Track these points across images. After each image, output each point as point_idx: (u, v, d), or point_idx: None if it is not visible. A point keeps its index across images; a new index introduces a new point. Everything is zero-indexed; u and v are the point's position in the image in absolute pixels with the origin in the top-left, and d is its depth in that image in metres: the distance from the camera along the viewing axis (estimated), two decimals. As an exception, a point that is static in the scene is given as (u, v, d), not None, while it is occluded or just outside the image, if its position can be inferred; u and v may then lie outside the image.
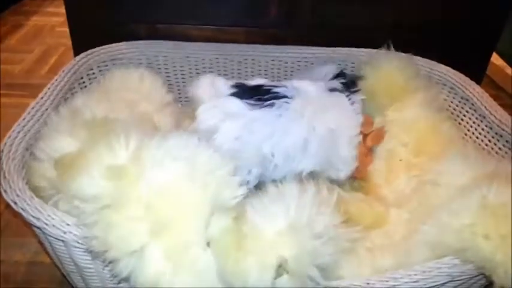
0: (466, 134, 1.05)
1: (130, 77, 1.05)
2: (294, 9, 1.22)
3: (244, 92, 0.89)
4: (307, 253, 0.58)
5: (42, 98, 0.86)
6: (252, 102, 0.86)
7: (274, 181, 0.84)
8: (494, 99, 1.03)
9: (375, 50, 1.16)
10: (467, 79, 1.10)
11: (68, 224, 0.60)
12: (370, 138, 1.04)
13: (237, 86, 0.91)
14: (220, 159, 0.61)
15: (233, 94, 0.88)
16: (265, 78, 1.22)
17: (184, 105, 1.21)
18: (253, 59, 1.21)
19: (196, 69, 1.21)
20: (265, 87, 0.90)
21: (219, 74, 1.22)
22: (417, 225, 0.82)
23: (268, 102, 0.87)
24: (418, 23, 1.22)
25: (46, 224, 0.60)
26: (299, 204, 0.66)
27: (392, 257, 0.75)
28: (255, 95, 0.88)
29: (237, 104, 0.86)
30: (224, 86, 0.92)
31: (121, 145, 0.59)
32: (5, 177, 0.67)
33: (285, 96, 0.88)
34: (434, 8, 1.21)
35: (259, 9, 1.22)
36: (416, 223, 0.84)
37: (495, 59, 1.72)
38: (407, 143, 1.04)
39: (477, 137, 1.02)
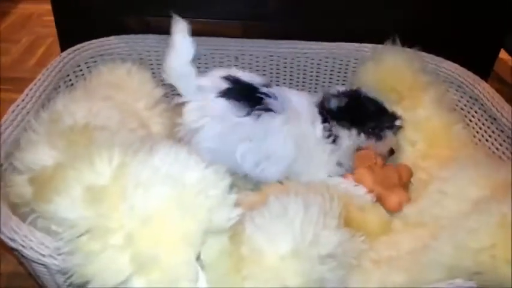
0: (474, 136, 1.00)
1: (117, 73, 0.99)
2: (294, 1, 1.15)
3: (234, 92, 0.87)
4: (313, 282, 0.53)
5: (23, 100, 0.79)
6: (240, 107, 0.86)
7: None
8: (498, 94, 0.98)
9: (380, 45, 1.10)
10: (477, 77, 1.04)
11: (48, 247, 0.55)
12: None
13: (228, 79, 0.89)
14: (213, 176, 0.54)
15: (222, 94, 0.87)
16: (264, 74, 1.17)
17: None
18: (250, 54, 1.15)
19: (190, 64, 1.14)
20: (257, 94, 0.88)
21: (215, 70, 1.16)
22: (425, 237, 0.77)
23: (256, 113, 0.87)
24: (423, 17, 1.16)
25: (23, 246, 0.55)
26: (304, 220, 0.61)
27: (402, 273, 0.69)
28: (245, 99, 0.87)
29: (224, 107, 0.86)
30: (216, 78, 0.90)
31: (103, 161, 0.53)
32: (-21, 192, 0.61)
33: (271, 110, 0.88)
34: (440, 2, 1.15)
35: (257, 1, 1.15)
36: (423, 234, 0.80)
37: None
38: (416, 141, 0.99)
39: (487, 140, 0.97)
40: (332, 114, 0.95)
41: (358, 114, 0.96)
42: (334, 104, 0.95)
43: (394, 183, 0.92)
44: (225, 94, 0.87)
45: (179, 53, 0.88)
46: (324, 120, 0.94)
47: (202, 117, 0.87)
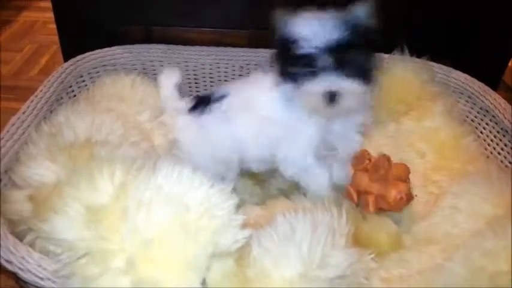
0: (486, 149, 0.97)
1: (121, 84, 0.97)
2: (300, 10, 1.13)
3: (194, 105, 0.94)
4: (322, 306, 0.50)
5: (23, 112, 0.77)
6: (197, 113, 0.92)
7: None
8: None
9: (388, 55, 1.08)
10: (487, 88, 1.02)
11: (46, 269, 0.52)
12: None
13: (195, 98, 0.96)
14: (218, 196, 0.52)
15: (188, 111, 0.94)
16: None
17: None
18: (255, 64, 1.13)
19: (194, 75, 1.13)
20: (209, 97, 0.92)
21: (219, 80, 1.15)
22: (436, 255, 0.75)
23: (208, 108, 0.90)
24: (432, 27, 1.14)
25: (20, 269, 0.52)
26: (312, 241, 0.59)
27: (414, 295, 0.67)
28: (200, 105, 0.92)
29: (185, 119, 0.93)
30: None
31: (104, 179, 0.51)
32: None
33: (220, 98, 0.90)
34: (447, 10, 1.13)
35: (263, 9, 1.13)
36: (434, 252, 0.77)
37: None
38: (425, 153, 0.96)
39: (499, 153, 0.94)
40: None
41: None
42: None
43: (386, 169, 0.87)
44: (189, 110, 0.93)
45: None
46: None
47: (175, 129, 0.94)
